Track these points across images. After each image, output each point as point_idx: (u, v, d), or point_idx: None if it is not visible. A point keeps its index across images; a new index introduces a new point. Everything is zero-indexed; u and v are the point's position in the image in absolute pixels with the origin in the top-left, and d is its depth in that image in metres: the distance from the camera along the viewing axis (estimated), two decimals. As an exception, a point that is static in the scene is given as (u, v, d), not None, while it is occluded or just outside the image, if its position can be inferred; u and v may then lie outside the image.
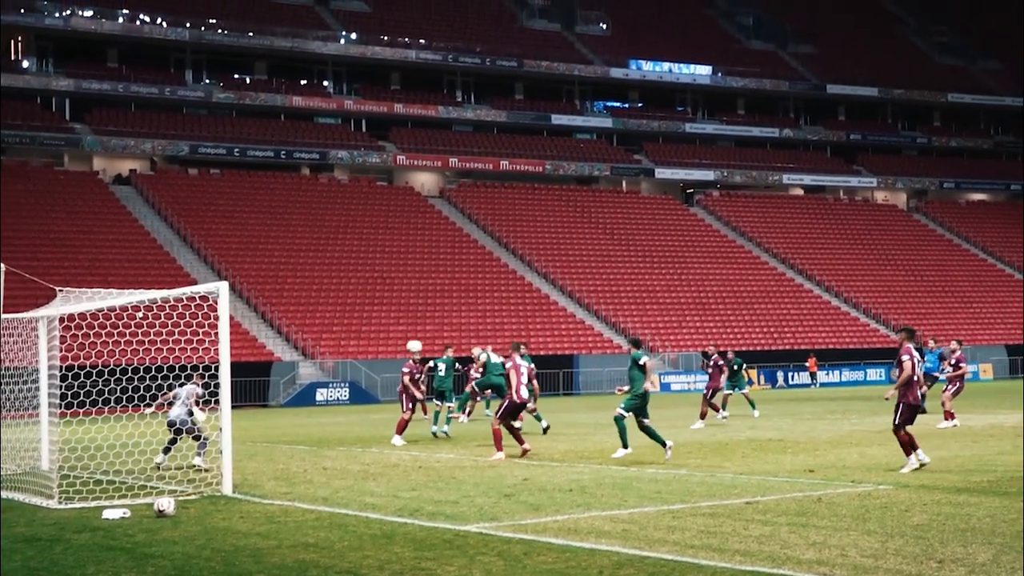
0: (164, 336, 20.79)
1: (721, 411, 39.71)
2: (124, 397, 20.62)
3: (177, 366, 20.82)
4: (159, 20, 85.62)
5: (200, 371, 22.53)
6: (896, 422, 20.45)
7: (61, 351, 20.08)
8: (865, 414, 38.13)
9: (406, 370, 30.02)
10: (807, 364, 72.50)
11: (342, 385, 61.88)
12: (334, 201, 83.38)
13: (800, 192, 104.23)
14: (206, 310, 20.24)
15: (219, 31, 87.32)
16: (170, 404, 22.86)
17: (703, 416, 35.10)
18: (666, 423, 35.30)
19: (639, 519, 15.26)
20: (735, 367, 41.33)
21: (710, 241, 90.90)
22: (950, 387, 32.70)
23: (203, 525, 15.67)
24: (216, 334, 19.27)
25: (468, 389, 37.75)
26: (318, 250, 75.91)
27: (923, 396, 37.36)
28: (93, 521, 16.19)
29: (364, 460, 25.27)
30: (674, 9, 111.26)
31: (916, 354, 21.00)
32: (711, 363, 37.11)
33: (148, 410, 23.15)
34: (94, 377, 19.88)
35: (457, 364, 36.60)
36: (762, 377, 70.37)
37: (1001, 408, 39.72)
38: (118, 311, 20.90)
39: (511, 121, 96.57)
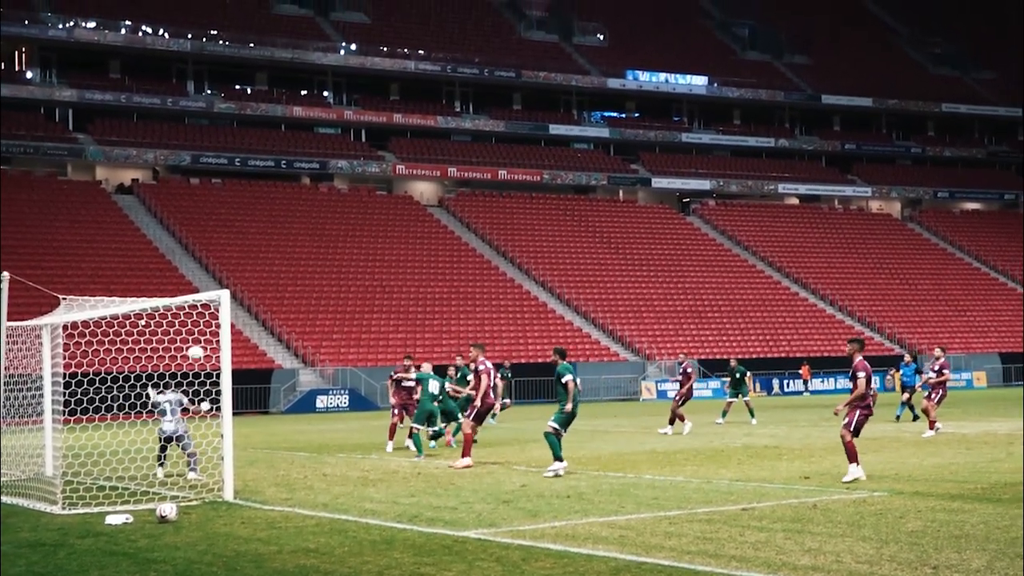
0: (166, 344, 20.96)
1: (720, 418, 39.90)
2: (127, 404, 20.81)
3: (179, 373, 20.98)
4: (161, 31, 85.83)
5: (178, 378, 22.60)
6: (853, 428, 20.44)
7: (64, 358, 20.25)
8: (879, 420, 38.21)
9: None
10: (800, 372, 72.66)
11: (342, 392, 62.00)
12: (334, 210, 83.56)
13: (795, 201, 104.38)
14: (207, 318, 20.41)
15: (220, 42, 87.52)
16: (160, 413, 22.83)
17: (672, 422, 34.80)
18: (661, 430, 35.48)
19: (636, 525, 15.39)
20: (738, 375, 41.49)
21: (706, 250, 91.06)
22: (933, 395, 32.34)
23: (205, 531, 15.81)
24: (217, 342, 19.43)
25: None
26: (318, 259, 76.07)
27: (911, 406, 37.57)
28: (96, 527, 16.33)
29: (364, 466, 25.42)
30: (671, 20, 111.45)
31: (868, 366, 20.90)
32: (680, 371, 36.64)
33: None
34: (97, 384, 20.05)
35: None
36: (757, 384, 70.46)
37: (994, 416, 39.86)
38: (120, 319, 21.07)
39: (509, 131, 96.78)
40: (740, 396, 40.96)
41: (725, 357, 72.16)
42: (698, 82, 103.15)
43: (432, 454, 27.72)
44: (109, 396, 20.15)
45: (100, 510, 17.82)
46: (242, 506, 18.43)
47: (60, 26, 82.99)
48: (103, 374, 20.64)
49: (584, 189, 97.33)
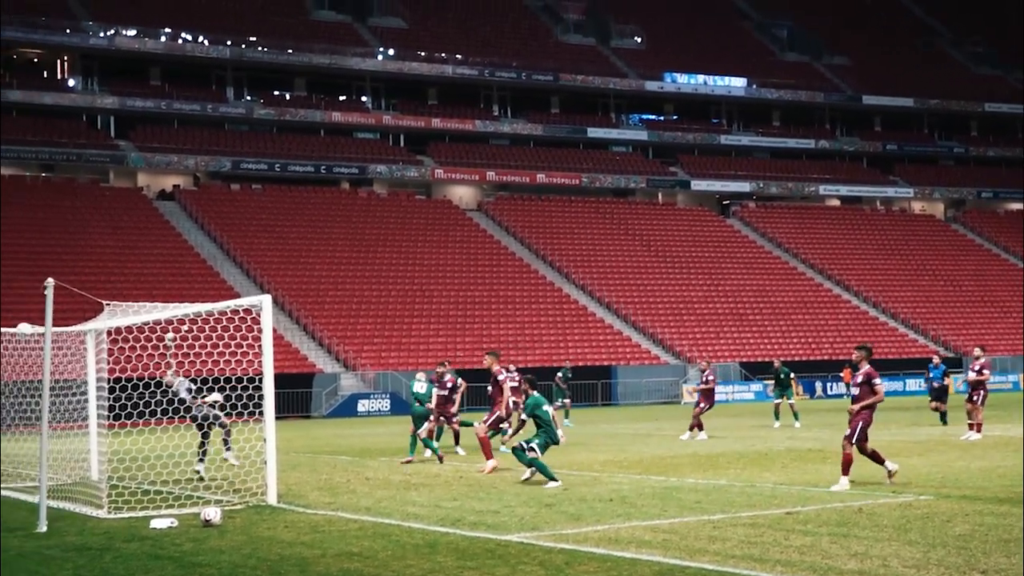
0: (209, 349, 21.03)
1: (776, 421, 39.65)
2: (171, 409, 20.89)
3: (222, 378, 21.06)
4: (201, 39, 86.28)
5: (221, 383, 22.70)
6: (857, 436, 20.02)
7: (109, 363, 20.37)
8: (904, 424, 38.04)
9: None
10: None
11: (383, 396, 62.13)
12: (373, 215, 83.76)
13: (836, 203, 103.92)
14: (249, 323, 20.46)
15: (259, 49, 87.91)
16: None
17: (692, 428, 34.15)
18: (704, 433, 35.37)
19: (680, 529, 15.34)
20: (782, 375, 41.25)
21: (746, 252, 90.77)
22: (975, 396, 31.49)
23: (249, 534, 15.87)
24: (259, 346, 19.49)
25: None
26: (358, 263, 76.26)
27: (943, 413, 37.08)
28: (141, 531, 16.42)
29: (406, 470, 25.45)
30: (708, 22, 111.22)
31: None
32: (703, 379, 35.97)
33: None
34: (141, 389, 20.15)
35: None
36: (800, 387, 70.13)
37: (1042, 418, 39.54)
38: (164, 324, 21.17)
39: (547, 135, 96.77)
40: (785, 398, 40.74)
41: (766, 360, 71.96)
42: (737, 84, 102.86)
43: (478, 458, 27.68)
44: (153, 401, 20.24)
45: (145, 514, 17.91)
46: (285, 510, 18.48)
47: (101, 34, 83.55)
48: (147, 379, 20.73)
49: (623, 192, 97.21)
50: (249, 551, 14.43)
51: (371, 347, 66.94)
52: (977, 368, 32.13)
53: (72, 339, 22.05)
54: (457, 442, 29.69)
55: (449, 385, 29.69)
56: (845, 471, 19.79)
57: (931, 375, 39.53)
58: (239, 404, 21.85)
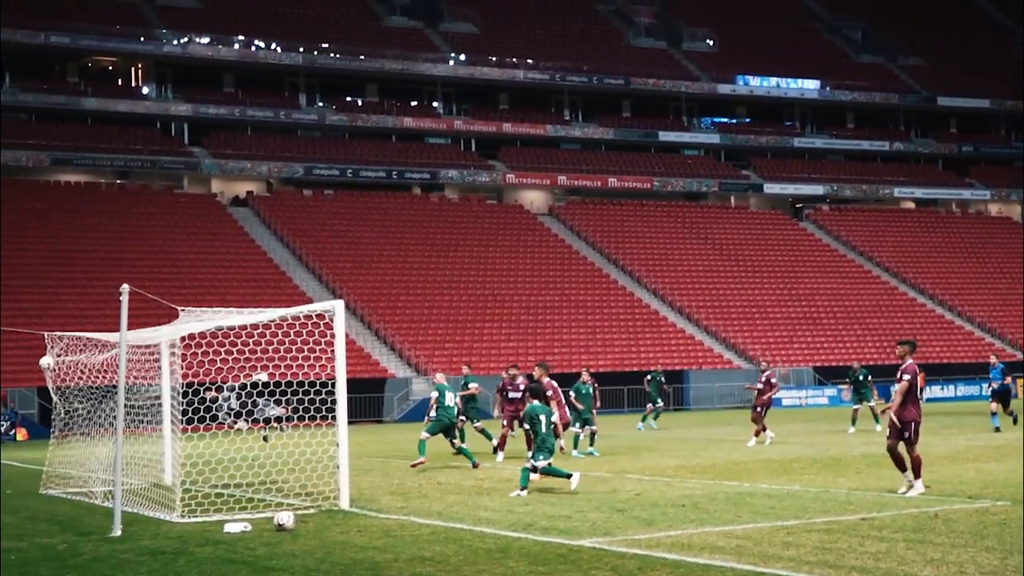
0: (282, 354, 21.15)
1: (851, 427, 39.27)
2: (244, 413, 21.02)
3: (295, 382, 21.18)
4: (273, 45, 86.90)
5: (294, 387, 22.86)
6: (912, 439, 19.59)
7: (183, 369, 20.54)
8: (981, 429, 37.59)
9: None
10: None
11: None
12: (445, 220, 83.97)
13: (911, 206, 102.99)
14: (322, 328, 20.57)
15: (331, 55, 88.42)
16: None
17: (763, 430, 33.70)
18: (778, 439, 35.18)
19: (753, 535, 15.25)
20: (860, 377, 40.77)
21: (820, 256, 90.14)
22: None
23: (321, 539, 15.94)
24: (332, 351, 19.59)
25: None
26: (430, 268, 76.47)
27: (1013, 414, 36.53)
28: (215, 535, 16.55)
29: (477, 475, 25.47)
30: (781, 24, 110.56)
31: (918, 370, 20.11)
32: (763, 379, 35.08)
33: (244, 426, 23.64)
34: (214, 393, 20.29)
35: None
36: (875, 391, 69.46)
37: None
38: (237, 330, 21.32)
39: (619, 138, 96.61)
40: (864, 401, 40.26)
41: (840, 364, 71.42)
42: (810, 86, 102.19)
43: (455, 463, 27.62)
44: (226, 405, 20.38)
45: (218, 518, 18.05)
46: (358, 514, 18.56)
47: (175, 42, 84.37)
48: (220, 384, 20.87)
49: (695, 196, 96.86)
50: (322, 555, 14.49)
51: (442, 352, 67.07)
52: None
53: (147, 344, 22.25)
54: (530, 447, 29.61)
55: (522, 388, 29.68)
56: (917, 475, 19.55)
57: (991, 376, 39.00)
58: (312, 408, 21.97)
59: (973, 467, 24.27)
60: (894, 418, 19.67)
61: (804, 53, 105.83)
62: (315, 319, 20.75)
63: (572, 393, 32.86)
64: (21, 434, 50.79)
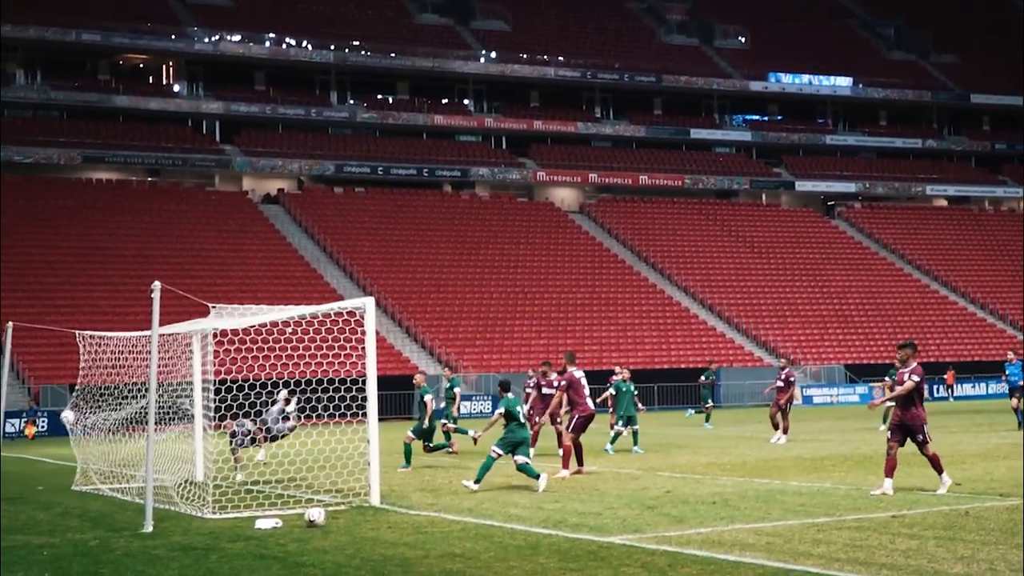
0: (312, 351, 21.22)
1: (882, 424, 38.91)
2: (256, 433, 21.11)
3: (326, 380, 21.23)
4: (304, 43, 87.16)
5: (324, 385, 22.90)
6: (925, 440, 19.27)
7: (214, 365, 20.61)
8: (1013, 427, 37.40)
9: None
10: (945, 378, 70.95)
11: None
12: (475, 217, 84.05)
13: (944, 203, 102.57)
14: (353, 325, 20.61)
15: (362, 53, 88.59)
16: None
17: (785, 430, 33.28)
18: (807, 436, 35.12)
19: (784, 532, 15.21)
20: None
21: (852, 253, 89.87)
22: None
23: (352, 535, 15.98)
24: (363, 348, 19.62)
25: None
26: (460, 265, 76.55)
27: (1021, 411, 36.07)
28: (246, 531, 16.60)
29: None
30: (813, 21, 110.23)
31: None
32: (783, 376, 34.32)
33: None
34: (246, 390, 20.37)
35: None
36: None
37: None
38: (268, 327, 21.39)
39: (650, 136, 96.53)
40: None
41: (871, 363, 71.25)
42: (842, 83, 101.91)
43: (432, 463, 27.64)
44: (258, 402, 20.47)
45: (250, 514, 18.10)
46: (388, 511, 18.59)
47: (206, 40, 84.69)
48: (252, 380, 20.96)
49: (726, 193, 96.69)
50: (352, 551, 14.52)
51: (473, 349, 67.15)
52: None
53: (179, 341, 22.35)
54: (560, 445, 29.62)
55: (556, 385, 29.74)
56: (940, 470, 19.40)
57: (1007, 372, 38.16)
58: (342, 406, 22.01)
59: (1004, 465, 24.16)
60: (908, 422, 19.43)
61: (836, 50, 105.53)
62: (346, 316, 20.80)
63: (612, 391, 33.00)
64: (29, 431, 50.52)
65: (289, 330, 21.60)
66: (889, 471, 19.33)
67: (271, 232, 77.19)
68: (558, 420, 29.63)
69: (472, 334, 69.08)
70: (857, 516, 16.58)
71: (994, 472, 22.57)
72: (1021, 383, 37.18)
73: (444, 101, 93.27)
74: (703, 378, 47.25)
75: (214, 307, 21.37)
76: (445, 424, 32.06)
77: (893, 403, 20.02)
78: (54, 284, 64.59)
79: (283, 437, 23.41)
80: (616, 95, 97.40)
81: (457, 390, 32.39)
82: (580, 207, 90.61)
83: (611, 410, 39.42)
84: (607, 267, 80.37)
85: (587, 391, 24.68)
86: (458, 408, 32.16)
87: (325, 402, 24.20)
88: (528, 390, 40.75)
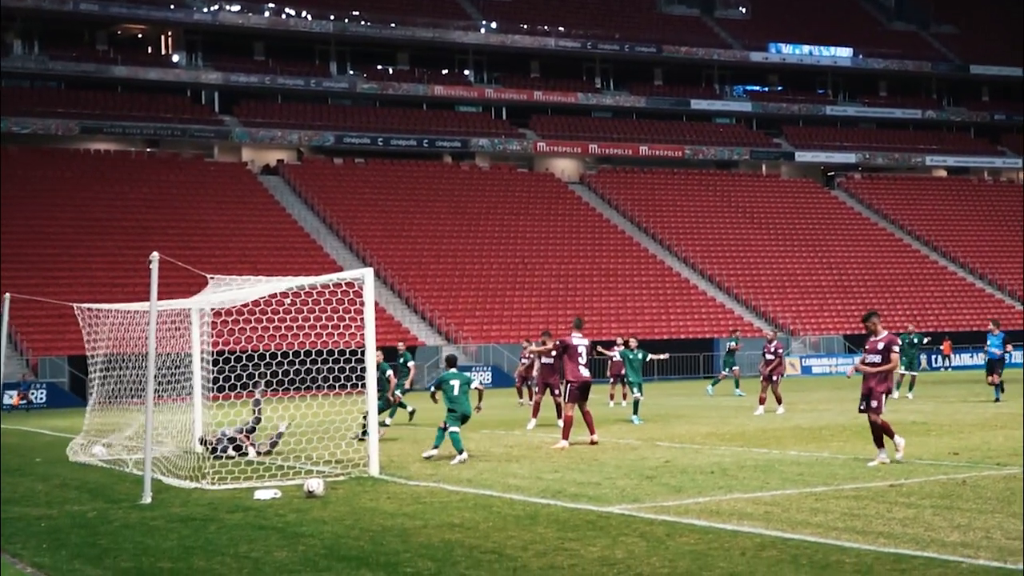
0: (312, 322, 21.22)
1: (907, 392, 38.53)
2: (274, 381, 21.10)
3: (325, 351, 21.24)
4: (304, 13, 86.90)
5: (324, 356, 22.85)
6: (877, 409, 19.17)
7: (212, 337, 20.61)
8: (1010, 396, 37.45)
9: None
10: (942, 347, 70.84)
11: (484, 369, 62.31)
12: (475, 188, 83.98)
13: (943, 174, 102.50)
14: (352, 296, 20.61)
15: (362, 23, 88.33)
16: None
17: (779, 400, 33.15)
18: (806, 406, 35.19)
19: (782, 501, 15.25)
20: (915, 339, 40.04)
21: (851, 224, 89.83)
22: None
23: (351, 505, 16.01)
24: (362, 319, 19.61)
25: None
26: (460, 236, 76.51)
27: (997, 386, 35.69)
28: (245, 502, 16.63)
29: (507, 443, 25.55)
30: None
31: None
32: (771, 349, 34.08)
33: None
34: (244, 362, 20.38)
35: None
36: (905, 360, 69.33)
37: None
38: (267, 298, 21.38)
39: (650, 107, 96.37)
40: (910, 370, 39.50)
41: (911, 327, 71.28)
42: (843, 54, 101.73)
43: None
44: (256, 374, 20.47)
45: (249, 485, 18.13)
46: (388, 481, 18.62)
47: (205, 10, 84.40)
48: (250, 352, 20.96)
49: (726, 164, 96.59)
50: (351, 522, 14.55)
51: (472, 320, 67.18)
52: None
53: (177, 313, 22.35)
54: (560, 415, 29.62)
55: (554, 354, 29.82)
56: (882, 443, 19.20)
57: (988, 344, 37.24)
58: (342, 377, 21.99)
59: (1002, 434, 24.21)
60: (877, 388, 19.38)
61: (837, 21, 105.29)
62: (344, 287, 20.78)
63: (620, 359, 33.28)
64: (15, 399, 49.95)
65: (288, 301, 21.58)
66: (889, 435, 19.30)
67: (270, 203, 77.11)
68: (556, 392, 29.64)
69: (472, 305, 69.09)
70: (855, 485, 16.61)
71: (991, 441, 22.62)
72: (1000, 354, 36.70)
73: (444, 71, 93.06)
74: (733, 344, 47.24)
75: (212, 278, 21.37)
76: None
77: (900, 369, 19.99)
78: (52, 255, 64.56)
79: (274, 447, 23.19)
80: (616, 65, 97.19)
81: (411, 364, 32.08)
82: (580, 178, 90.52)
83: (611, 381, 39.63)
84: (607, 238, 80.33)
85: (583, 359, 24.23)
86: (411, 381, 31.94)
87: (325, 373, 24.24)
88: (524, 360, 41.12)
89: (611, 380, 39.67)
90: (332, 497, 16.80)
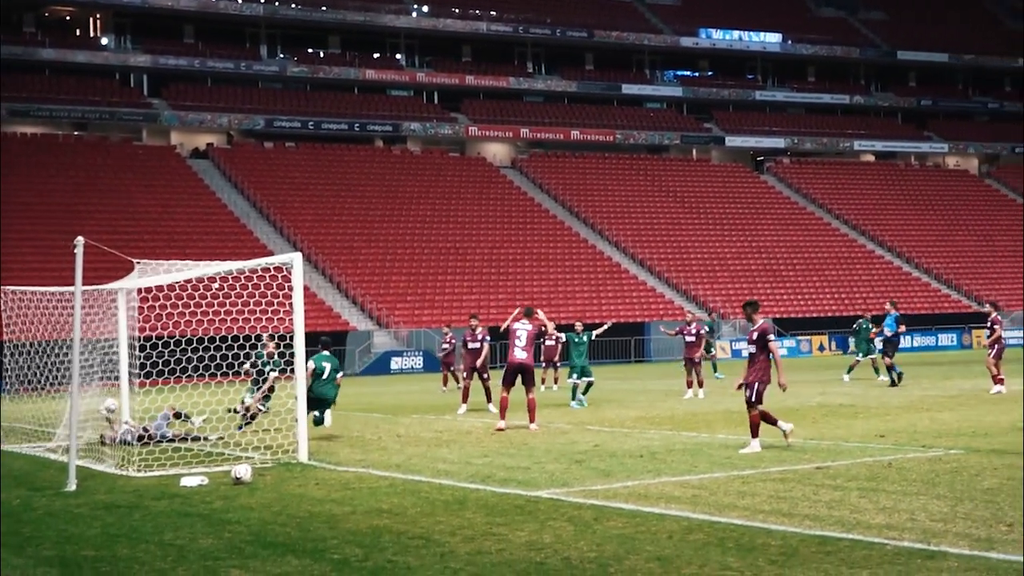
0: (240, 307, 21.08)
1: (881, 375, 38.19)
2: (201, 367, 20.93)
3: (253, 336, 21.12)
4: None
5: (252, 341, 22.73)
6: (754, 399, 19.11)
7: (139, 322, 20.43)
8: (936, 379, 37.88)
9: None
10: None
11: (416, 354, 62.27)
12: (407, 172, 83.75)
13: (871, 159, 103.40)
14: (280, 281, 20.50)
15: (292, 6, 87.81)
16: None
17: (700, 384, 33.14)
18: (735, 390, 35.29)
19: (709, 485, 15.34)
20: (866, 327, 39.97)
21: (781, 208, 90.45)
22: (990, 351, 31.41)
23: (279, 492, 15.94)
24: (291, 304, 19.53)
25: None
26: (392, 221, 76.31)
27: (891, 368, 35.54)
28: (171, 488, 16.51)
29: (437, 427, 25.54)
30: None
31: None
32: (691, 331, 34.20)
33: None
34: (172, 347, 20.23)
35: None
36: (833, 343, 70.07)
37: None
38: (194, 283, 21.23)
39: (581, 91, 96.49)
40: (869, 354, 39.36)
41: (799, 316, 71.96)
42: (772, 39, 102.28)
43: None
44: (184, 359, 20.32)
45: (175, 472, 18.01)
46: (316, 467, 18.56)
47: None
48: (178, 337, 20.81)
49: (657, 149, 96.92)
50: (279, 508, 14.49)
51: (404, 305, 67.06)
52: (989, 324, 32.19)
53: (103, 298, 22.13)
54: (489, 399, 29.69)
55: (480, 338, 30.01)
56: (755, 433, 19.12)
57: (884, 325, 36.95)
58: (270, 362, 21.87)
59: (927, 416, 24.49)
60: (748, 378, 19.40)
61: (766, 6, 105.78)
62: (273, 272, 20.66)
63: (553, 344, 33.39)
64: None
65: (215, 286, 21.42)
66: (772, 422, 19.28)
67: (200, 187, 76.53)
68: (485, 376, 29.83)
69: (403, 289, 68.95)
70: (782, 468, 16.73)
71: (917, 424, 22.87)
72: (890, 335, 36.51)
73: (375, 55, 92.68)
74: (707, 329, 47.21)
75: (139, 263, 21.18)
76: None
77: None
78: (-21, 240, 63.74)
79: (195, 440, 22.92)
80: (548, 50, 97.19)
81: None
82: (512, 162, 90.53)
83: (544, 366, 39.73)
84: (538, 222, 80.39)
85: (521, 342, 24.18)
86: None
87: (254, 358, 24.09)
88: (445, 346, 41.32)
89: (543, 365, 39.77)
90: (259, 483, 16.72)
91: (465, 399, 30.14)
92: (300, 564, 11.19)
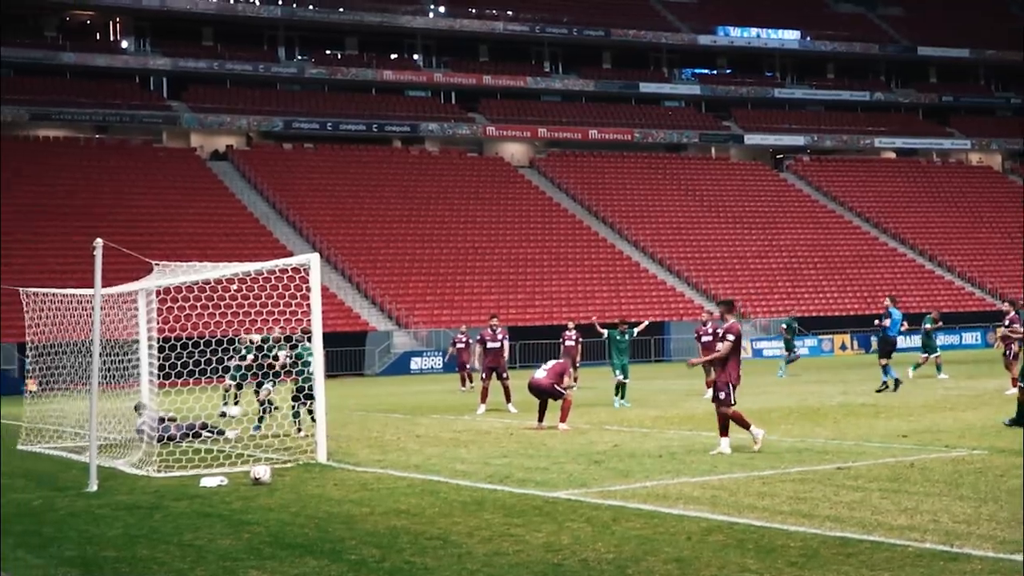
0: (259, 308, 21.07)
1: (940, 373, 37.90)
2: (220, 368, 20.95)
3: (271, 337, 21.11)
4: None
5: (270, 342, 22.64)
6: (725, 399, 18.94)
7: (159, 323, 20.44)
8: (960, 378, 37.69)
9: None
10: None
11: (435, 354, 62.27)
12: (425, 173, 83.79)
13: (892, 155, 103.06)
14: (298, 282, 20.49)
15: (310, 8, 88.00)
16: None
17: (709, 385, 33.00)
18: (757, 389, 35.29)
19: (729, 485, 15.25)
20: (928, 326, 39.54)
21: (801, 206, 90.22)
22: (1009, 352, 31.04)
23: (298, 493, 15.92)
24: (309, 305, 19.52)
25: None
26: (410, 221, 76.35)
27: (886, 368, 34.93)
28: (191, 489, 16.51)
29: (456, 428, 25.50)
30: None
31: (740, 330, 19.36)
32: (708, 331, 33.76)
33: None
34: (191, 348, 20.23)
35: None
36: (855, 342, 69.82)
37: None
38: (213, 284, 21.24)
39: (599, 90, 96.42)
40: (930, 353, 38.94)
41: (820, 315, 71.75)
42: (790, 36, 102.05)
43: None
44: (203, 360, 20.31)
45: (195, 473, 18.01)
46: (335, 468, 18.54)
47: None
48: (196, 338, 20.81)
49: (676, 147, 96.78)
50: (297, 509, 14.47)
51: (423, 305, 67.07)
52: (1007, 323, 31.84)
53: (123, 299, 22.16)
54: (508, 399, 29.65)
55: (500, 338, 30.01)
56: (725, 432, 18.97)
57: (888, 324, 34.86)
58: (288, 363, 21.86)
59: (951, 416, 24.34)
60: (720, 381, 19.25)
61: (784, 3, 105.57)
62: (291, 273, 20.64)
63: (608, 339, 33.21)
64: None
65: (234, 287, 21.41)
66: (744, 425, 19.05)
67: (219, 189, 76.72)
68: (505, 375, 29.83)
69: (422, 290, 68.98)
70: (802, 468, 16.63)
71: (940, 424, 22.72)
72: (894, 336, 35.48)
73: (393, 56, 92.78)
74: (784, 326, 47.22)
75: (158, 264, 21.21)
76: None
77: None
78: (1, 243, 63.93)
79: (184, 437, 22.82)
80: (565, 49, 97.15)
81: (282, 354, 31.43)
82: (530, 162, 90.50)
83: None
84: (557, 222, 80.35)
85: (547, 365, 24.64)
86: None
87: (271, 359, 24.07)
88: (459, 345, 41.33)
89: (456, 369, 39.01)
90: (278, 484, 16.70)
91: (484, 399, 30.11)
92: (318, 565, 11.17)
